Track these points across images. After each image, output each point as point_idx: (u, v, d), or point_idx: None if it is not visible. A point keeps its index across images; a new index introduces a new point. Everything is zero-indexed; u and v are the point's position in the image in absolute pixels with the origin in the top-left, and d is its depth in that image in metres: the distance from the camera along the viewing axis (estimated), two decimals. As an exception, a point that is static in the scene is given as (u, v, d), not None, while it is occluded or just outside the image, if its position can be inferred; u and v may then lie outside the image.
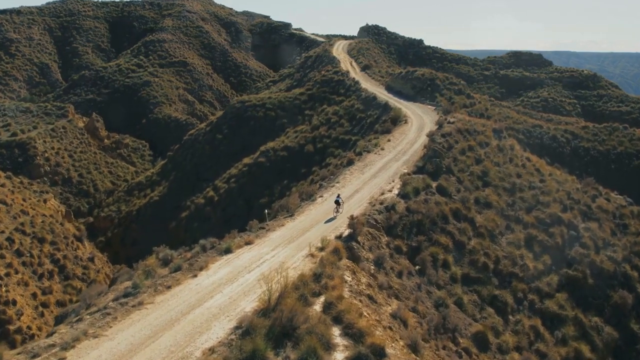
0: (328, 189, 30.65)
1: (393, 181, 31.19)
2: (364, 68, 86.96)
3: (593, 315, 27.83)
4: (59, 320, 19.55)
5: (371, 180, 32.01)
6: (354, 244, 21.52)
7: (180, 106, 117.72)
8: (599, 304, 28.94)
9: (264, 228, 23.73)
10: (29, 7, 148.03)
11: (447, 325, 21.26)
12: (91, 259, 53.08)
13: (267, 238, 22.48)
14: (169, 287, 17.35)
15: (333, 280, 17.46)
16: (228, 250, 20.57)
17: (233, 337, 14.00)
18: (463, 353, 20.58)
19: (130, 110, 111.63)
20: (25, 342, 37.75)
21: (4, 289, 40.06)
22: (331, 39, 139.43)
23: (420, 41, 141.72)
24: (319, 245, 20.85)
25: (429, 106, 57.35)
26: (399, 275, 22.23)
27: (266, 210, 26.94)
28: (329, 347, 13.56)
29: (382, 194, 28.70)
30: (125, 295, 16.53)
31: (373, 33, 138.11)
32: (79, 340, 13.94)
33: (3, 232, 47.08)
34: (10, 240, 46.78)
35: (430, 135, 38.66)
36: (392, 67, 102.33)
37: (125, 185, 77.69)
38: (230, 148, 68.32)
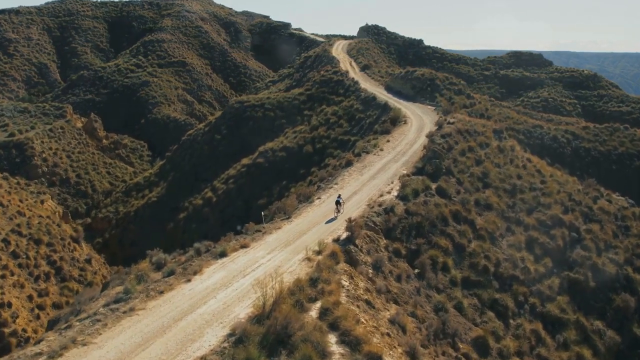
0: (326, 190, 30.24)
1: (392, 182, 30.77)
2: (364, 68, 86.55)
3: (595, 319, 27.44)
4: (51, 325, 19.13)
5: (370, 181, 31.60)
6: (351, 247, 21.09)
7: (179, 106, 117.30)
8: (600, 307, 28.55)
9: (260, 231, 23.31)
10: (27, 7, 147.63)
11: (446, 330, 20.85)
12: (88, 261, 52.65)
13: (263, 241, 22.06)
14: (161, 293, 16.93)
15: (330, 285, 17.06)
16: (223, 254, 20.15)
17: (226, 345, 13.60)
18: (463, 359, 20.18)
19: (129, 111, 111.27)
20: (21, 345, 37.34)
21: (-1, 291, 39.64)
22: (331, 39, 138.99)
23: (420, 41, 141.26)
24: (316, 248, 20.42)
25: (429, 106, 56.94)
26: (398, 279, 21.82)
27: (263, 213, 26.51)
28: (325, 355, 13.15)
29: (381, 195, 28.29)
30: (116, 300, 16.11)
31: (373, 33, 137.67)
32: (67, 348, 13.53)
33: (-1, 233, 46.66)
34: (6, 241, 46.37)
35: (430, 136, 38.24)
36: (391, 67, 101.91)
37: (123, 186, 77.23)
38: (228, 148, 67.87)
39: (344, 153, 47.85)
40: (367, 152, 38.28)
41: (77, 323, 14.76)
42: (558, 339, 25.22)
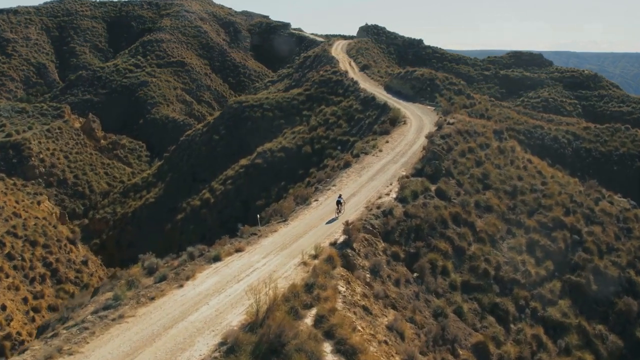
0: (324, 192, 29.76)
1: (391, 184, 30.30)
2: (363, 68, 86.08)
3: (597, 323, 26.97)
4: (41, 331, 18.66)
5: (368, 183, 31.13)
6: (349, 251, 20.63)
7: (178, 106, 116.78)
8: (603, 311, 28.08)
9: (255, 234, 22.83)
10: (26, 7, 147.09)
11: (446, 336, 20.39)
12: (85, 262, 52.18)
13: (258, 245, 21.58)
14: (152, 299, 16.45)
15: (326, 291, 16.60)
16: (217, 258, 19.67)
17: (217, 354, 13.14)
18: (463, 365, 19.72)
19: (128, 111, 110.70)
20: (15, 349, 36.87)
21: (-7, 294, 39.16)
22: (330, 38, 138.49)
23: (420, 41, 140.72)
24: (312, 252, 19.96)
25: (429, 107, 56.48)
26: (396, 283, 21.35)
27: (258, 215, 26.04)
28: (319, 366, 12.68)
29: (380, 197, 27.82)
30: (105, 307, 15.63)
31: (372, 33, 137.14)
32: (52, 358, 13.06)
33: (-6, 235, 46.18)
34: (1, 243, 45.92)
35: (430, 137, 37.76)
36: (391, 67, 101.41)
37: (121, 187, 76.75)
38: (227, 149, 67.39)
39: (343, 154, 47.39)
40: (366, 153, 37.81)
41: (64, 331, 14.28)
42: (560, 343, 24.75)
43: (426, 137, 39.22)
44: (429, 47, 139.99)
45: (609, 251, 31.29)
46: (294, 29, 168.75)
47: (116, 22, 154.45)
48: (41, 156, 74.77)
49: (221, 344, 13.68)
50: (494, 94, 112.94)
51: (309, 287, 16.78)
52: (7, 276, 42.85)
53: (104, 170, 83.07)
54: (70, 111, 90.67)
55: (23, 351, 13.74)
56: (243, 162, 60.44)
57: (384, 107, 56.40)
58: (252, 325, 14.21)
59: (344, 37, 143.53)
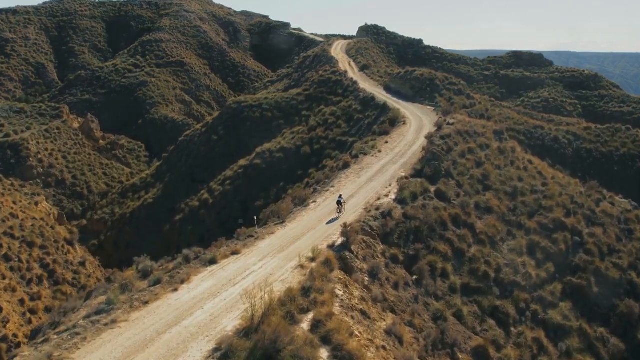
0: (322, 193, 29.45)
1: (390, 185, 29.98)
2: (363, 68, 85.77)
3: (598, 326, 26.68)
4: (33, 336, 18.35)
5: (367, 184, 30.81)
6: (347, 253, 20.31)
7: (177, 107, 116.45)
8: (604, 313, 27.80)
9: (252, 236, 22.51)
10: (25, 7, 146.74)
11: (445, 340, 20.07)
12: (82, 263, 51.87)
13: (255, 247, 21.26)
14: (146, 303, 16.13)
15: (323, 295, 16.27)
16: (213, 261, 19.35)
17: (211, 361, 12.80)
18: (462, 370, 19.42)
19: (127, 111, 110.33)
20: (11, 351, 36.53)
21: (-11, 295, 38.85)
22: (330, 38, 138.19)
23: (420, 41, 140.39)
24: (310, 255, 19.64)
25: (428, 107, 56.18)
26: (395, 286, 21.03)
27: (255, 217, 25.72)
28: (315, 373, 12.36)
29: (379, 199, 27.51)
30: (98, 312, 15.31)
31: (372, 33, 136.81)
32: (42, 364, 12.74)
33: (-10, 236, 45.86)
34: (-2, 244, 45.56)
35: (429, 137, 37.44)
36: (391, 67, 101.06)
37: (120, 187, 76.42)
38: (225, 149, 67.08)
39: (342, 154, 47.09)
40: (365, 154, 37.49)
41: (55, 336, 13.96)
42: (561, 347, 24.47)
43: (426, 137, 38.91)
44: (428, 47, 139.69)
45: (611, 253, 31.00)
46: (294, 29, 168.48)
47: (115, 22, 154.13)
48: (39, 156, 74.44)
49: (215, 350, 13.38)
50: (494, 94, 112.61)
51: (305, 290, 16.46)
52: (4, 277, 42.53)
53: (103, 170, 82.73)
54: (68, 111, 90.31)
55: (12, 358, 13.41)
56: (242, 162, 60.13)
57: (384, 108, 56.10)
58: (247, 331, 13.90)
59: (344, 37, 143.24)
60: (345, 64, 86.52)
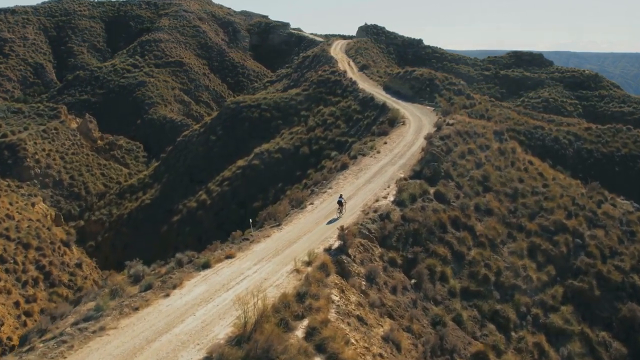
0: (319, 195, 28.99)
1: (388, 187, 29.53)
2: (362, 68, 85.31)
3: (600, 330, 26.28)
4: (22, 342, 17.89)
5: (365, 185, 30.36)
6: (343, 257, 19.86)
7: (176, 107, 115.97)
8: (606, 317, 27.39)
9: (247, 239, 22.06)
10: (23, 7, 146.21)
11: (444, 345, 19.62)
12: (79, 265, 51.37)
13: (250, 251, 20.81)
14: (136, 309, 15.67)
15: (318, 301, 15.84)
16: (206, 265, 18.89)
17: (201, 371, 12.36)
18: (462, 377, 18.97)
19: (125, 111, 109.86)
20: (5, 355, 36.07)
21: (-17, 298, 38.36)
22: (330, 38, 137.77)
23: (420, 41, 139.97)
24: (306, 259, 19.18)
25: (428, 107, 55.74)
26: (393, 290, 20.58)
27: (251, 220, 25.27)
28: (309, 384, 11.92)
29: (377, 200, 27.06)
30: (86, 319, 14.86)
31: (372, 33, 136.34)
32: (26, 374, 12.30)
33: (-15, 238, 45.39)
34: (-7, 246, 45.08)
35: (429, 138, 36.99)
36: (390, 67, 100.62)
37: (117, 188, 75.92)
38: (224, 150, 66.63)
39: (341, 155, 46.64)
40: (364, 155, 37.05)
41: (41, 345, 13.52)
42: (562, 351, 24.04)
43: (425, 138, 38.47)
44: (428, 47, 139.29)
45: (612, 255, 30.57)
46: (294, 29, 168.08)
47: (114, 21, 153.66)
48: (37, 157, 73.90)
49: (206, 358, 12.93)
50: (494, 94, 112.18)
51: (300, 296, 16.03)
52: (-1, 280, 42.05)
53: (101, 171, 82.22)
54: (66, 111, 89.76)
55: (-5, 367, 12.96)
56: (240, 163, 59.70)
57: (383, 108, 55.68)
58: (239, 339, 13.46)
59: (344, 37, 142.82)
60: (344, 64, 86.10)
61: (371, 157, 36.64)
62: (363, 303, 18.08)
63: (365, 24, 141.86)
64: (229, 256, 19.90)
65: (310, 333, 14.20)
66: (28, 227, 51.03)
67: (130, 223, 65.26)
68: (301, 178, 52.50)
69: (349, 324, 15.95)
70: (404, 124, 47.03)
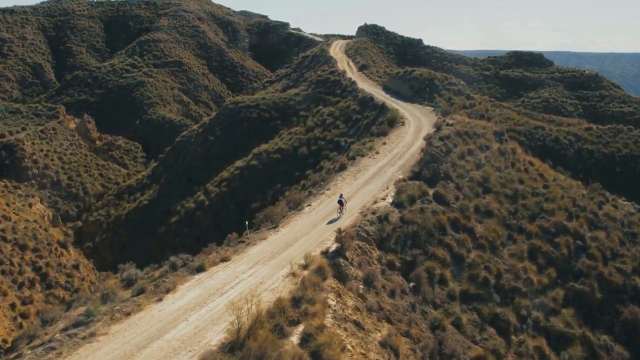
0: (317, 196, 28.62)
1: (387, 188, 29.17)
2: (361, 68, 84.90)
3: (602, 333, 25.90)
4: (12, 348, 17.53)
5: (364, 187, 30.00)
6: (341, 260, 19.50)
7: (175, 107, 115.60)
8: (608, 320, 27.02)
9: (243, 242, 21.70)
10: (22, 7, 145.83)
11: (443, 350, 19.26)
12: (76, 266, 51.03)
13: (245, 254, 20.44)
14: (128, 314, 15.32)
15: (314, 306, 15.48)
16: (201, 269, 18.53)
17: (192, 379, 12.00)
18: (461, 382, 18.62)
19: (124, 111, 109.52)
20: (0, 357, 35.72)
21: (-22, 300, 38.02)
22: (329, 38, 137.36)
23: (420, 41, 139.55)
24: (302, 262, 18.84)
25: (428, 107, 55.34)
26: (392, 294, 20.22)
27: (247, 222, 24.90)
28: (303, 393, 11.56)
29: (375, 202, 26.69)
30: (76, 324, 14.50)
31: (371, 33, 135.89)
32: (12, 383, 11.94)
33: (-19, 239, 45.04)
34: (-11, 247, 44.74)
35: (428, 139, 36.60)
36: (390, 67, 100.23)
37: (116, 189, 75.54)
38: (222, 150, 66.23)
39: (339, 156, 46.27)
40: (362, 155, 36.68)
41: (29, 351, 13.16)
42: (563, 355, 23.69)
43: (424, 138, 38.07)
44: (428, 46, 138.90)
45: (614, 257, 30.19)
46: (293, 29, 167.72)
47: (113, 21, 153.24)
48: (34, 157, 73.54)
49: (197, 366, 12.58)
50: (494, 94, 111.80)
51: (296, 301, 15.68)
52: (-5, 281, 41.70)
53: (99, 171, 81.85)
54: (65, 112, 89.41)
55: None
56: (238, 163, 59.30)
57: (382, 108, 55.30)
58: (233, 345, 13.13)
59: (343, 37, 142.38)
60: (343, 64, 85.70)
61: (370, 157, 36.28)
62: (360, 307, 17.73)
63: (365, 23, 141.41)
64: (224, 259, 19.54)
65: (305, 339, 13.85)
66: (25, 228, 50.68)
67: (128, 224, 64.88)
68: (300, 179, 52.10)
69: (345, 329, 15.60)
70: (403, 124, 46.66)
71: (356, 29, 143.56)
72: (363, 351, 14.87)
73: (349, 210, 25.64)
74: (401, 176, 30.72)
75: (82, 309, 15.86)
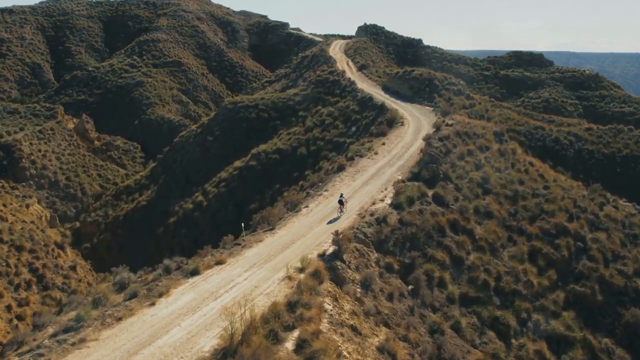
0: (315, 198, 28.29)
1: (386, 189, 28.84)
2: (361, 68, 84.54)
3: (603, 336, 25.55)
4: (2, 353, 17.17)
5: (362, 188, 29.67)
6: (338, 263, 19.18)
7: (174, 107, 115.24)
8: (609, 323, 26.65)
9: (239, 244, 21.36)
10: (21, 7, 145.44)
11: (442, 355, 18.92)
12: (73, 268, 50.73)
13: (241, 256, 20.11)
14: (119, 319, 14.98)
15: (310, 311, 15.16)
16: (195, 272, 18.20)
17: (183, 387, 11.66)
18: (460, 388, 18.28)
19: (123, 111, 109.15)
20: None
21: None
22: (329, 38, 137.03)
23: (419, 41, 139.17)
24: (298, 265, 18.51)
25: (427, 107, 55.00)
26: (390, 297, 19.89)
27: (243, 224, 24.56)
28: (297, 402, 11.23)
29: (374, 203, 26.36)
30: (66, 330, 14.17)
31: (371, 32, 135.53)
32: (-3, 391, 11.61)
33: (-23, 240, 44.72)
34: (-15, 249, 44.42)
35: (427, 139, 36.25)
36: (390, 67, 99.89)
37: (114, 189, 75.21)
38: (221, 150, 65.91)
39: (338, 156, 45.94)
40: (361, 156, 36.35)
41: (16, 358, 12.81)
42: (564, 359, 23.34)
43: (424, 139, 37.72)
44: (428, 46, 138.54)
45: (615, 259, 29.83)
46: (293, 29, 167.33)
47: (112, 21, 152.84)
48: (32, 158, 73.16)
49: (189, 374, 12.25)
50: (494, 94, 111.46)
51: (291, 305, 15.35)
52: (-10, 283, 41.37)
53: (97, 172, 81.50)
54: (63, 112, 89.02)
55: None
56: (237, 164, 58.98)
57: (382, 108, 54.97)
58: (226, 352, 12.82)
59: (343, 37, 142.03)
60: (343, 64, 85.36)
61: (369, 158, 35.96)
62: (357, 311, 17.39)
63: (365, 23, 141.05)
64: (219, 262, 19.21)
65: (300, 345, 13.53)
66: (22, 229, 50.40)
67: (126, 224, 64.57)
68: (298, 179, 51.77)
69: (342, 334, 15.27)
70: (402, 124, 46.33)
71: (356, 29, 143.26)
72: (360, 357, 14.55)
73: (347, 211, 25.32)
74: (400, 177, 30.39)
75: (72, 314, 15.52)
